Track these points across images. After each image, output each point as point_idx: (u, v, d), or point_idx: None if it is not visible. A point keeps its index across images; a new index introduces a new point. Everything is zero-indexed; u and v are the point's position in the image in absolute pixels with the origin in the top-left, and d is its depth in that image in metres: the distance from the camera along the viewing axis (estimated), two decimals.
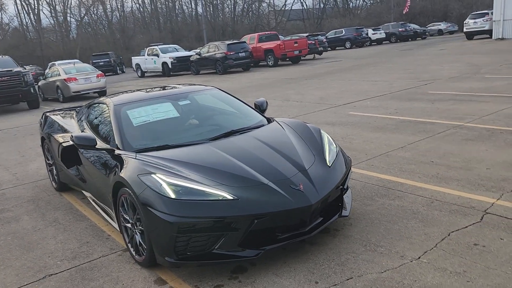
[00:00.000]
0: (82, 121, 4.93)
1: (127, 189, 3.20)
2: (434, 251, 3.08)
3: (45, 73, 19.70)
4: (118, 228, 3.66)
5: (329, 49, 31.69)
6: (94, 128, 4.51)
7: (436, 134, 6.21)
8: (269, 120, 4.38)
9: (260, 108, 4.73)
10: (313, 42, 25.36)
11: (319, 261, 3.12)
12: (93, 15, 56.28)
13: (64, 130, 5.06)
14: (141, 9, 59.48)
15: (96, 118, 4.64)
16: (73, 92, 16.16)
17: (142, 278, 3.15)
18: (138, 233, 3.24)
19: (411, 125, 6.94)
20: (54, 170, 5.37)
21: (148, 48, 26.58)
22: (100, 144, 3.96)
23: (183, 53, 25.46)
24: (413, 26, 38.06)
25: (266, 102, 4.87)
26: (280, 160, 3.42)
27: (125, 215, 3.40)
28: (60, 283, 3.21)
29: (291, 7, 62.94)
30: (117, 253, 3.59)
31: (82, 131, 4.69)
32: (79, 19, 54.37)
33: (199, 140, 3.79)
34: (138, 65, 26.88)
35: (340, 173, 3.50)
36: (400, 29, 35.88)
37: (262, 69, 22.29)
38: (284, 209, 2.98)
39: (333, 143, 3.91)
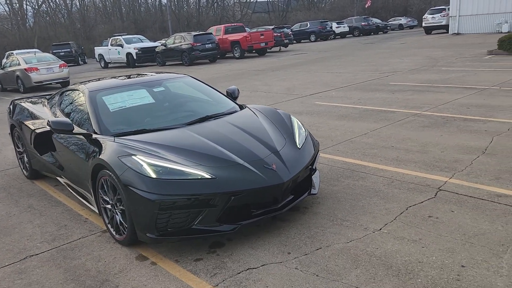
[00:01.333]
0: (55, 107, 4.95)
1: (107, 171, 3.33)
2: (393, 223, 3.40)
3: (3, 63, 18.95)
4: (97, 211, 3.78)
5: (294, 41, 32.10)
6: (68, 114, 4.54)
7: (396, 122, 6.61)
8: (242, 107, 4.57)
9: (232, 96, 4.90)
10: (279, 34, 25.65)
11: (291, 235, 3.37)
12: (51, 3, 54.18)
13: (36, 117, 5.04)
14: None
15: (70, 104, 4.68)
16: (35, 83, 15.67)
17: (123, 256, 3.30)
18: (118, 213, 3.38)
19: (373, 113, 7.33)
20: (25, 157, 5.36)
21: (111, 39, 26.01)
22: (76, 129, 4.02)
23: (148, 43, 25.10)
24: (375, 20, 39.11)
25: (238, 90, 5.02)
26: (253, 142, 3.63)
27: (105, 197, 3.53)
28: (42, 262, 3.31)
29: None
30: (96, 234, 3.71)
31: (56, 117, 4.69)
32: (36, 7, 52.20)
33: (175, 125, 3.94)
34: (101, 55, 26.29)
35: (309, 155, 3.76)
36: (363, 23, 36.79)
37: (229, 61, 22.37)
38: (259, 186, 3.20)
39: (302, 128, 4.16)
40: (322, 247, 3.15)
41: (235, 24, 26.69)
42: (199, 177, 3.13)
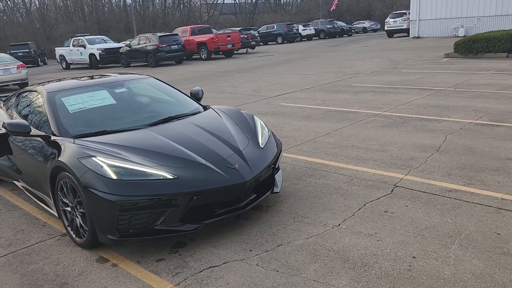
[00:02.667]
0: (11, 109, 4.80)
1: (66, 173, 3.28)
2: (351, 219, 3.52)
3: None
4: (56, 214, 3.69)
5: (261, 43, 32.33)
6: (25, 116, 4.43)
7: (357, 122, 6.81)
8: (205, 108, 4.58)
9: (196, 97, 4.89)
10: (245, 36, 25.76)
11: (253, 233, 3.43)
12: (8, 2, 52.12)
13: None
14: None
15: (27, 106, 4.55)
16: None
17: (83, 258, 3.25)
18: (79, 215, 3.32)
19: (336, 114, 7.51)
20: None
21: (73, 39, 25.30)
22: (34, 131, 3.91)
23: (112, 44, 24.59)
24: (340, 23, 40.01)
25: (202, 90, 5.01)
26: (216, 143, 3.65)
27: (64, 199, 3.46)
28: None
29: (223, 1, 63.00)
30: (55, 238, 3.63)
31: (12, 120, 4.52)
32: None
33: (137, 126, 3.91)
34: (62, 56, 25.52)
35: (272, 154, 3.81)
36: (328, 26, 37.52)
37: (195, 62, 22.27)
38: (221, 185, 3.22)
39: (265, 128, 4.20)
40: (283, 243, 3.22)
41: (201, 25, 26.59)
42: (161, 178, 3.12)
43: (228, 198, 3.37)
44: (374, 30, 43.38)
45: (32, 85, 4.86)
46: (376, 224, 3.40)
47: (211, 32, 23.85)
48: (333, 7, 46.97)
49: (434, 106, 7.55)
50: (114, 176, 3.06)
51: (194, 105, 4.61)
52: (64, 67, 25.51)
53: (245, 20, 58.30)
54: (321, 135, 6.19)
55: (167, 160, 3.31)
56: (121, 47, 23.35)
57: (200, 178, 3.20)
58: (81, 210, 3.26)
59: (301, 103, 8.80)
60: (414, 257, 2.89)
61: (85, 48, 23.51)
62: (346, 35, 38.86)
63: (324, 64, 16.41)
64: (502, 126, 5.95)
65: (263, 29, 36.86)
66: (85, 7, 55.14)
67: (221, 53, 23.62)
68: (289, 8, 63.79)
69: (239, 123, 4.13)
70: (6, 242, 3.62)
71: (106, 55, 23.05)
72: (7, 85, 15.65)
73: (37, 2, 53.30)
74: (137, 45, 22.05)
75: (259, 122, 4.25)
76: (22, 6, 52.63)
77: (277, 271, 2.87)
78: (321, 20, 40.22)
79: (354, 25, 43.48)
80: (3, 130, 4.35)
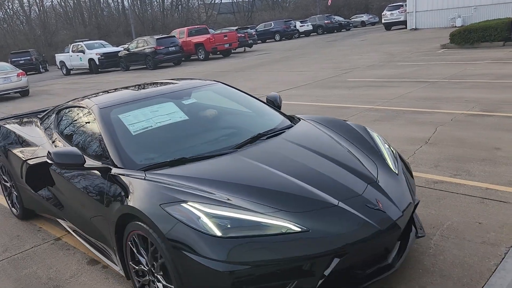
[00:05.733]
0: (51, 130, 3.89)
1: (143, 224, 2.37)
2: None
3: None
4: (122, 273, 2.79)
5: (259, 41, 32.39)
6: (70, 139, 3.53)
7: (350, 117, 6.86)
8: (292, 118, 3.54)
9: (274, 104, 3.83)
10: (242, 35, 25.84)
11: None
12: (8, 10, 52.46)
13: (27, 143, 3.99)
14: (63, 3, 56.38)
15: (73, 126, 3.65)
16: None
17: (75, 261, 3.33)
18: (161, 281, 2.40)
19: (330, 110, 7.56)
20: (14, 193, 4.28)
21: (72, 45, 25.50)
22: (88, 161, 2.98)
23: (110, 48, 24.76)
24: (338, 18, 39.87)
25: (280, 97, 3.95)
26: (337, 170, 2.66)
27: (137, 258, 2.58)
28: None
29: (221, 0, 63.06)
30: (49, 243, 3.72)
31: (54, 144, 3.65)
32: None
33: (223, 150, 2.93)
34: (62, 62, 25.74)
35: (410, 181, 2.84)
36: (326, 21, 37.46)
37: (194, 63, 22.35)
38: (368, 236, 2.26)
39: (386, 144, 3.18)
40: None
41: (198, 26, 26.73)
42: (285, 231, 2.17)
43: (374, 254, 2.41)
44: (372, 24, 43.24)
45: (76, 98, 4.03)
46: None
47: (208, 33, 23.94)
48: (330, 1, 46.87)
49: (427, 98, 7.58)
50: (218, 232, 2.14)
51: (278, 117, 3.55)
52: (65, 73, 25.73)
53: (243, 18, 58.33)
54: None
55: (283, 201, 2.35)
56: (119, 51, 23.51)
57: (339, 228, 2.24)
58: (159, 275, 2.40)
59: (296, 100, 8.85)
60: None
61: (84, 53, 23.69)
62: (344, 30, 38.77)
63: (321, 60, 16.44)
64: (493, 116, 5.97)
65: (260, 27, 36.88)
66: (84, 12, 55.41)
67: (218, 53, 23.70)
68: (287, 5, 63.73)
69: (351, 139, 3.12)
70: (1, 248, 3.72)
71: (105, 60, 23.23)
72: (8, 94, 15.82)
73: (36, 9, 53.61)
74: (136, 48, 22.21)
75: (376, 136, 3.23)
76: (22, 14, 52.98)
77: None
78: (318, 15, 40.16)
79: (352, 19, 43.35)
80: (43, 158, 3.52)
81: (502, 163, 4.28)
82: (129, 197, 2.52)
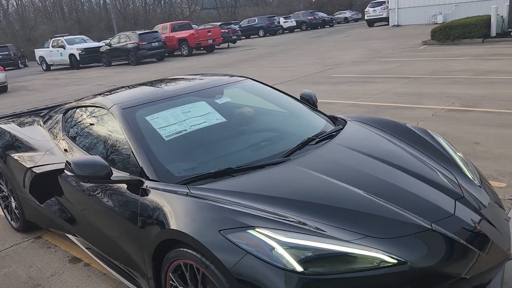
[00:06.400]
0: (58, 132, 3.39)
1: (194, 253, 1.93)
2: None
3: None
4: None
5: (243, 37, 32.26)
6: (84, 144, 3.02)
7: (333, 113, 6.85)
8: (335, 119, 3.16)
9: (309, 103, 3.43)
10: (226, 31, 25.73)
11: None
12: None
13: (30, 148, 3.47)
14: None
15: (85, 128, 3.14)
16: None
17: (56, 260, 3.28)
18: None
19: None
20: (13, 203, 3.81)
21: (52, 40, 25.03)
22: (115, 173, 2.49)
23: (91, 44, 24.40)
24: (321, 14, 40.03)
25: (315, 94, 3.56)
26: (415, 183, 2.23)
27: None
28: None
29: None
30: (29, 241, 3.64)
31: (65, 150, 3.14)
32: None
33: (271, 157, 2.48)
34: (42, 58, 25.21)
35: (492, 193, 2.43)
36: (309, 17, 37.56)
37: (177, 59, 22.17)
38: (476, 267, 1.85)
39: (455, 149, 2.78)
40: None
41: (181, 21, 26.49)
42: (378, 264, 1.74)
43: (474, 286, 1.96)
44: (356, 20, 43.53)
45: (86, 97, 3.53)
46: None
47: (192, 28, 23.78)
48: None
49: (409, 93, 7.67)
50: (298, 267, 1.71)
51: (321, 117, 3.12)
52: (45, 68, 25.21)
53: (227, 14, 58.05)
54: None
55: (366, 224, 1.92)
56: (101, 46, 23.17)
57: (440, 258, 1.82)
58: None
59: None
60: None
61: (64, 48, 23.29)
62: (328, 26, 38.94)
63: (305, 56, 16.48)
64: (473, 111, 6.08)
65: (244, 23, 36.76)
66: (64, 7, 54.31)
67: (202, 48, 23.55)
68: (270, 0, 63.66)
69: (414, 144, 2.72)
70: None
71: (86, 55, 22.87)
72: None
73: (14, 3, 52.35)
74: (118, 43, 21.90)
75: (443, 141, 2.82)
76: None
77: None
78: (302, 11, 40.22)
79: (336, 16, 43.56)
80: (50, 165, 3.13)
81: (481, 157, 4.36)
82: (172, 218, 2.06)
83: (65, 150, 3.13)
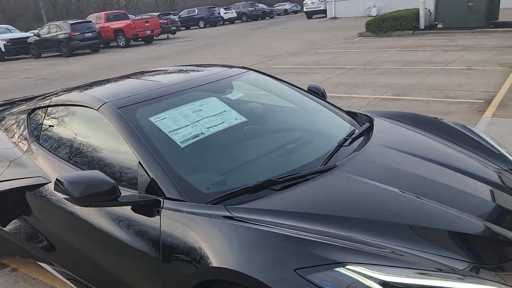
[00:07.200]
0: (21, 139, 2.72)
1: None
2: None
3: None
4: None
5: (183, 28, 31.65)
6: (65, 154, 2.42)
7: None
8: (355, 115, 2.83)
9: (318, 96, 3.04)
10: (165, 21, 25.07)
11: None
12: None
13: None
14: None
15: (64, 134, 2.53)
16: None
17: None
18: None
19: None
20: None
21: None
22: (124, 193, 1.94)
23: (18, 34, 22.77)
24: (262, 5, 40.22)
25: (322, 87, 3.18)
26: (481, 187, 2.00)
27: None
28: None
29: None
30: None
31: (36, 161, 2.51)
32: None
33: (309, 164, 2.07)
34: None
35: None
36: (250, 9, 37.61)
37: (113, 50, 21.28)
38: None
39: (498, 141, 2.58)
40: None
41: (117, 11, 25.43)
42: None
43: None
44: (295, 12, 44.24)
45: (53, 93, 2.94)
46: None
47: (128, 18, 22.91)
48: None
49: (345, 84, 7.94)
50: None
51: (343, 114, 2.77)
52: None
53: (165, 4, 56.56)
54: None
55: (465, 248, 1.64)
56: (29, 37, 21.68)
57: None
58: None
59: None
60: None
61: None
62: (268, 18, 39.23)
63: (245, 47, 16.49)
64: (402, 100, 6.42)
65: (184, 13, 36.06)
66: None
67: (140, 39, 22.78)
68: None
69: (458, 141, 2.48)
70: None
71: (13, 46, 21.32)
72: None
73: None
74: (47, 34, 20.61)
75: (484, 135, 2.62)
76: None
77: None
78: (242, 3, 40.16)
79: (276, 7, 44.01)
80: (14, 181, 2.55)
81: None
82: (216, 251, 1.55)
83: (37, 161, 2.49)
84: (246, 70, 2.90)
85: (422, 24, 15.15)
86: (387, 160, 2.14)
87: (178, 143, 2.07)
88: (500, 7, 14.55)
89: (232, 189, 1.83)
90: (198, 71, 2.84)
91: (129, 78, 2.86)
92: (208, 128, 2.19)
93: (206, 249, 1.58)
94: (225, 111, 2.35)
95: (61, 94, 2.74)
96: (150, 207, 1.84)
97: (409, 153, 2.21)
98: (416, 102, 6.20)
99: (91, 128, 2.41)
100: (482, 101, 6.01)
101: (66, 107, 2.56)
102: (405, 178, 1.98)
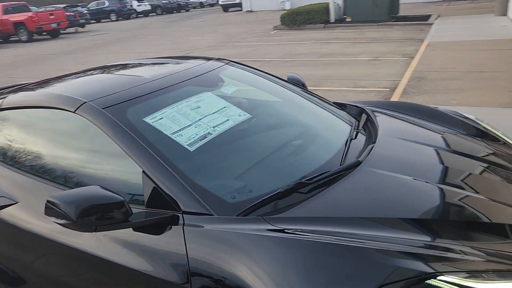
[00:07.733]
0: None
1: None
2: None
3: None
4: None
5: (93, 21, 29.94)
6: (38, 168, 1.98)
7: None
8: (343, 106, 2.68)
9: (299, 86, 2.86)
10: (72, 14, 23.54)
11: None
12: None
13: None
14: None
15: (30, 144, 2.10)
16: None
17: None
18: None
19: None
20: None
21: None
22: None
23: None
24: None
25: (301, 78, 2.98)
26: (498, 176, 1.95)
27: None
28: None
29: None
30: None
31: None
32: None
33: (332, 162, 1.90)
34: None
35: None
36: (164, 1, 36.61)
37: (15, 45, 19.49)
38: None
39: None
40: None
41: (16, 2, 23.24)
42: None
43: None
44: (211, 5, 44.00)
45: (16, 88, 2.46)
46: None
47: (29, 10, 21.08)
48: None
49: None
50: None
51: (333, 106, 2.59)
52: None
53: None
54: None
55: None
56: None
57: None
58: None
59: None
60: None
61: None
62: (184, 11, 38.54)
63: (161, 40, 16.07)
64: (318, 90, 6.68)
65: (93, 5, 34.03)
66: None
67: (45, 33, 21.15)
68: None
69: (461, 130, 2.43)
70: None
71: None
72: None
73: None
74: None
75: (487, 124, 2.59)
76: None
77: None
78: None
79: (191, 0, 43.38)
80: None
81: None
82: (271, 277, 1.25)
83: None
84: (223, 64, 2.57)
85: (332, 18, 15.91)
86: (406, 151, 2.03)
87: (186, 146, 1.78)
88: (400, 2, 15.78)
89: (261, 196, 1.57)
90: (177, 63, 2.53)
91: (96, 73, 2.43)
92: (213, 127, 1.93)
93: (260, 275, 1.27)
94: (225, 107, 2.09)
95: (14, 94, 2.26)
96: (164, 226, 1.53)
97: (423, 143, 2.12)
98: (331, 92, 6.52)
99: (67, 135, 2.00)
100: (388, 89, 6.49)
101: (26, 110, 2.12)
102: (435, 170, 1.88)
